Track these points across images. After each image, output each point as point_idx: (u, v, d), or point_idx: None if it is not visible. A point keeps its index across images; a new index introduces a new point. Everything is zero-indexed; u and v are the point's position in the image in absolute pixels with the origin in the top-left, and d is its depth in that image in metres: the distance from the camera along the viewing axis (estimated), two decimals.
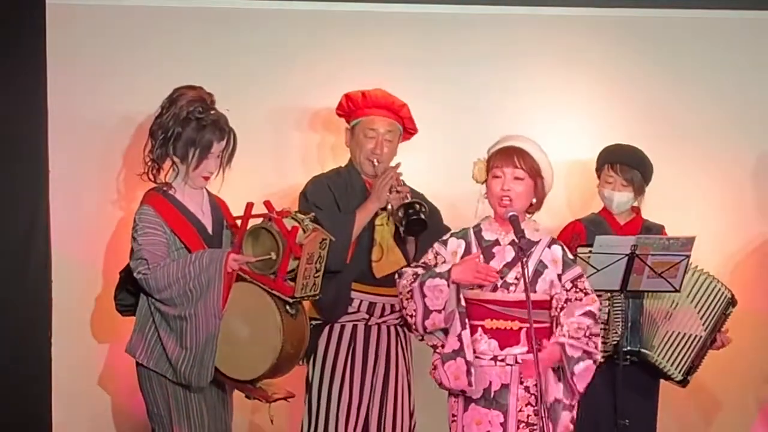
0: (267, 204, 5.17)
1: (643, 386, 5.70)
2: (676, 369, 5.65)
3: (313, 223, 5.15)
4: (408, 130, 5.67)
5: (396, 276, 4.94)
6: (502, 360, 4.76)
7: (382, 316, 5.54)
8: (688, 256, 5.48)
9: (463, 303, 4.74)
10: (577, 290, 4.78)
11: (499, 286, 4.76)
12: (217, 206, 5.32)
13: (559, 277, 4.79)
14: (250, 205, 5.16)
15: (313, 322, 5.53)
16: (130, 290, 5.24)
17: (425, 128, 5.90)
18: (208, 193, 5.32)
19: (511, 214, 4.76)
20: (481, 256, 4.78)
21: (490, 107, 6.19)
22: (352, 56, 6.11)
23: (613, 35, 6.29)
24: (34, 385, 5.78)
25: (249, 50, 6.08)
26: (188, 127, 5.14)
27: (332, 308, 5.51)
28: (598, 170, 5.82)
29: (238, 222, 5.22)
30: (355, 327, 5.53)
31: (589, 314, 4.74)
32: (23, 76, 5.77)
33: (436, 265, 4.82)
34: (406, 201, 5.39)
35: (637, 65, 6.30)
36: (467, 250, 4.82)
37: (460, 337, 4.72)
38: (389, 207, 5.45)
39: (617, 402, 5.51)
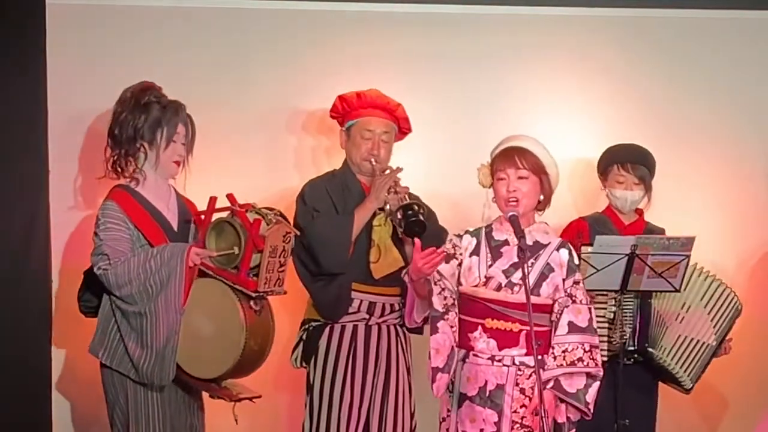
0: (230, 197, 5.15)
1: (644, 386, 5.69)
2: (687, 376, 5.64)
3: (277, 217, 5.12)
4: (402, 130, 5.66)
5: None
6: (500, 360, 4.75)
7: (382, 316, 5.53)
8: (688, 256, 5.47)
9: (437, 307, 4.73)
10: (568, 296, 4.79)
11: (503, 285, 4.76)
12: (185, 206, 5.27)
13: (564, 282, 4.80)
14: (213, 199, 5.12)
15: (314, 324, 5.54)
16: (95, 291, 5.18)
17: (426, 128, 5.91)
18: (176, 192, 5.27)
19: (511, 214, 4.76)
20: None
21: (491, 107, 6.18)
22: (347, 57, 6.09)
23: (615, 35, 6.28)
24: (35, 385, 5.77)
25: (245, 51, 6.07)
26: (151, 110, 5.12)
27: (333, 309, 5.50)
28: (605, 171, 5.80)
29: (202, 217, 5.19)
30: (355, 327, 5.52)
31: (573, 328, 4.75)
32: (23, 76, 5.77)
33: (454, 255, 4.82)
34: (405, 202, 5.38)
35: (640, 65, 6.29)
36: (477, 248, 4.82)
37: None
38: (387, 207, 5.44)
39: (617, 402, 5.51)
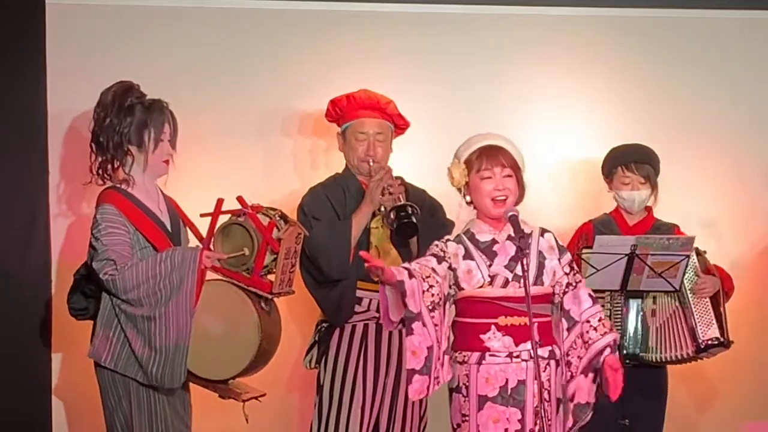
0: (240, 200, 5.13)
1: (651, 387, 5.66)
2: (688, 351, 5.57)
3: (282, 218, 5.13)
4: (399, 126, 5.65)
5: None
6: (518, 356, 4.70)
7: None
8: (689, 256, 5.46)
9: (411, 308, 4.58)
10: (574, 273, 4.79)
11: (510, 280, 4.72)
12: (171, 205, 5.22)
13: (560, 261, 4.78)
14: (220, 202, 5.09)
15: (325, 324, 5.56)
16: (86, 293, 5.11)
17: (424, 127, 5.91)
18: (161, 191, 5.21)
19: (510, 214, 4.72)
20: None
21: (490, 106, 6.18)
22: (345, 56, 6.09)
23: (615, 35, 6.28)
24: (34, 386, 5.77)
25: (244, 51, 6.08)
26: (135, 112, 5.03)
27: (337, 313, 5.51)
28: (609, 174, 5.77)
29: (200, 219, 5.16)
30: (366, 326, 5.52)
31: (593, 300, 4.77)
32: (23, 76, 5.77)
33: (444, 258, 4.74)
34: (398, 203, 5.37)
35: (641, 65, 6.29)
36: (468, 253, 4.77)
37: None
38: (382, 209, 5.44)
39: (624, 404, 5.50)
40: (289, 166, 6.11)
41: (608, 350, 4.69)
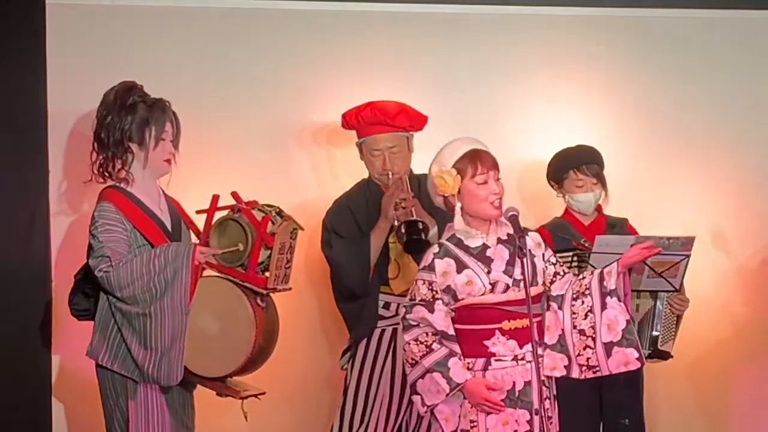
0: (234, 195, 5.14)
1: (626, 379, 5.65)
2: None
3: (278, 214, 5.14)
4: (413, 131, 5.65)
5: (402, 314, 4.81)
6: (522, 358, 4.72)
7: None
8: (688, 256, 5.46)
9: (433, 401, 4.71)
10: (560, 264, 4.82)
11: (510, 285, 4.72)
12: (172, 205, 5.24)
13: (543, 255, 4.80)
14: (215, 198, 5.10)
15: None
16: (86, 293, 5.14)
17: (429, 126, 5.91)
18: (163, 191, 5.23)
19: (511, 214, 4.74)
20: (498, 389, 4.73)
21: (490, 106, 6.21)
22: (349, 58, 6.11)
23: (615, 35, 6.29)
24: (34, 386, 5.77)
25: (246, 51, 6.08)
26: (137, 110, 5.06)
27: (357, 326, 5.57)
28: (560, 179, 5.76)
29: (196, 216, 5.18)
30: (395, 331, 5.53)
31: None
32: (23, 76, 5.77)
33: (434, 299, 4.71)
34: (409, 219, 5.37)
35: (640, 65, 6.30)
36: (461, 263, 4.74)
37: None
38: (395, 223, 5.45)
39: (602, 399, 5.52)
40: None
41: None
